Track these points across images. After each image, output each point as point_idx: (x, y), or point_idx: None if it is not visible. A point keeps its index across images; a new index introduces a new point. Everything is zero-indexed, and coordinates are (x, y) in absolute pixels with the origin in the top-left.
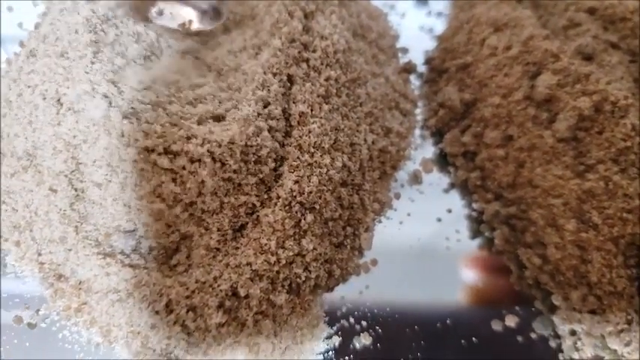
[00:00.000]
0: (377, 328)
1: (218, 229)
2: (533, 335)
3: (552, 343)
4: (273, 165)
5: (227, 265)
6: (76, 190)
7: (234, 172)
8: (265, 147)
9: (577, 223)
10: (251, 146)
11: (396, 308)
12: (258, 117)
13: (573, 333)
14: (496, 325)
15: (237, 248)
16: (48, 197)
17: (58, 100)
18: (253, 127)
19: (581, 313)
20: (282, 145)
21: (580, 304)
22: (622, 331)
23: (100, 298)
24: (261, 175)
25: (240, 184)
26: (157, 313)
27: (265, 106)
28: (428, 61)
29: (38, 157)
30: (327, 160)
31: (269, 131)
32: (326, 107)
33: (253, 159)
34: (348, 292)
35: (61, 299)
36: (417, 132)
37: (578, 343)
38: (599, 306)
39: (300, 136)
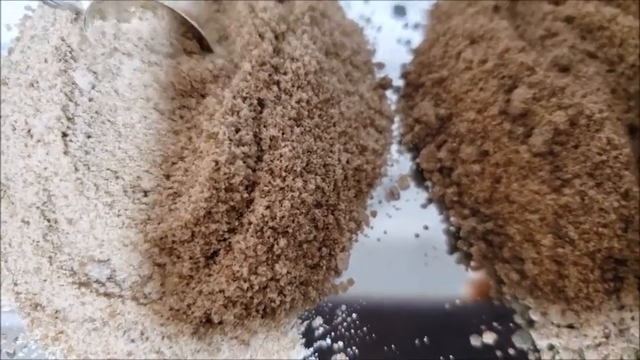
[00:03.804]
0: (354, 348)
1: (190, 257)
2: (511, 351)
3: (531, 357)
4: (245, 192)
5: (200, 292)
6: (48, 221)
7: (205, 200)
8: (238, 175)
9: (554, 238)
10: (224, 174)
11: (373, 327)
12: (230, 143)
13: (551, 347)
14: (475, 341)
15: (209, 275)
16: (21, 229)
17: (29, 131)
18: (226, 155)
19: (559, 328)
20: (254, 170)
21: (558, 318)
22: (600, 345)
23: (77, 327)
24: (232, 203)
25: (210, 212)
26: (132, 341)
27: (236, 132)
28: (404, 75)
29: (11, 189)
30: (299, 183)
31: (242, 159)
32: (297, 130)
33: (224, 187)
34: (324, 313)
35: (38, 328)
36: (394, 147)
37: (557, 357)
38: (576, 320)
39: (271, 161)
